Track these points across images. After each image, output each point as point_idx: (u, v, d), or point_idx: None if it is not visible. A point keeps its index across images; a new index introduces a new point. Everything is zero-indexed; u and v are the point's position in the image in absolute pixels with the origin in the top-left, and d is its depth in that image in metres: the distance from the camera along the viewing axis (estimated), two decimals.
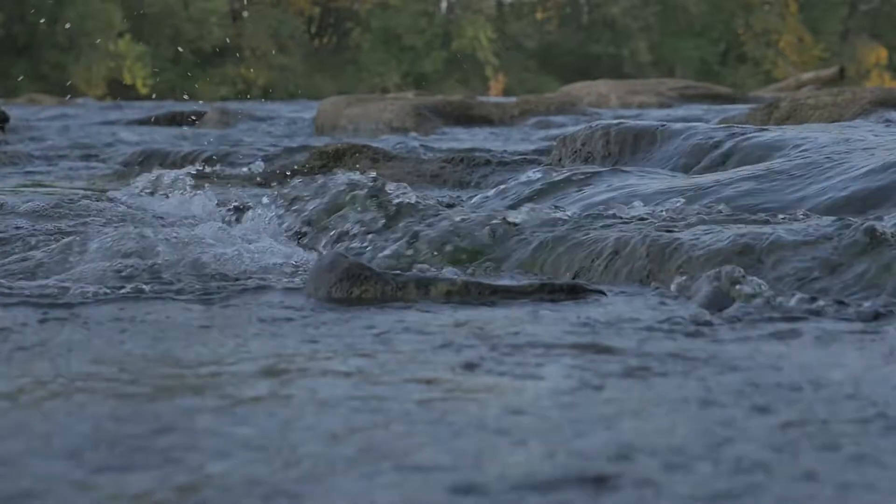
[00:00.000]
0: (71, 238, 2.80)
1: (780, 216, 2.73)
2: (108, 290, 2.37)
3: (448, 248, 2.78)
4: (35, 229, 3.22)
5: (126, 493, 1.16)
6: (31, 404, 1.51)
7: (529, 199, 3.43)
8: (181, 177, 3.95)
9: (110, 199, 3.92)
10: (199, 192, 3.78)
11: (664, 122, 4.36)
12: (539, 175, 3.63)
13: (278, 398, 1.54)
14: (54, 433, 1.36)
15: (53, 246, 2.79)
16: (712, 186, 3.19)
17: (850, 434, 1.34)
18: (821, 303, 2.11)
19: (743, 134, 3.92)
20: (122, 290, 2.37)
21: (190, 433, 1.36)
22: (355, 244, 2.89)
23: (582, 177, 3.54)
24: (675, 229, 2.61)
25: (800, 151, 3.49)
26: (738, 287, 2.15)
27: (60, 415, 1.46)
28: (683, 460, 1.24)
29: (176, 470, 1.22)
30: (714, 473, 1.20)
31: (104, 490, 1.17)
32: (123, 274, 2.54)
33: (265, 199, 3.27)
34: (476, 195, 3.88)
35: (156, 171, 4.12)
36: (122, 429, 1.38)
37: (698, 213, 2.87)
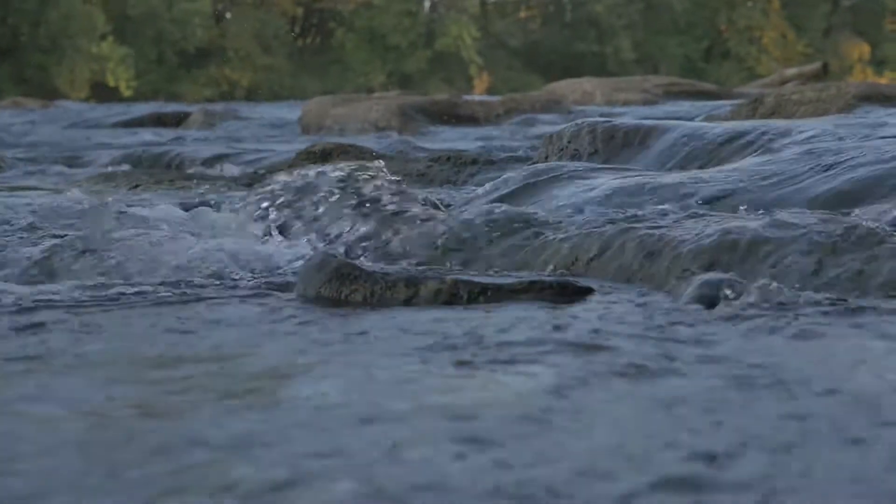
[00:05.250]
0: (54, 242, 2.79)
1: (769, 212, 2.73)
2: (97, 294, 2.36)
3: (437, 245, 2.78)
4: (15, 234, 3.20)
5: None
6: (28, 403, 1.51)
7: (517, 196, 3.43)
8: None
9: (93, 202, 3.90)
10: (187, 193, 3.78)
11: (651, 120, 4.37)
12: (526, 173, 3.63)
13: (265, 398, 1.53)
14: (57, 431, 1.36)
15: (34, 251, 2.78)
16: (701, 182, 3.19)
17: (843, 431, 1.35)
18: (810, 298, 2.12)
19: (731, 130, 3.92)
20: (111, 293, 2.36)
21: (178, 432, 1.36)
22: (346, 242, 2.89)
23: (570, 174, 3.54)
24: (664, 226, 2.62)
25: (788, 147, 3.50)
26: (726, 283, 2.16)
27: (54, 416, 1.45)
28: (676, 461, 1.24)
29: (164, 469, 1.22)
30: (706, 473, 1.20)
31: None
32: (111, 276, 2.53)
33: (252, 199, 3.26)
34: (463, 193, 3.88)
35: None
36: (109, 429, 1.38)
37: (687, 210, 2.88)
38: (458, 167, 5.15)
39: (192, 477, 1.20)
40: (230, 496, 1.14)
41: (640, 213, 2.91)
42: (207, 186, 5.18)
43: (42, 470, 1.23)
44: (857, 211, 2.69)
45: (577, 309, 2.15)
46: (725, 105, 9.17)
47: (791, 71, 21.13)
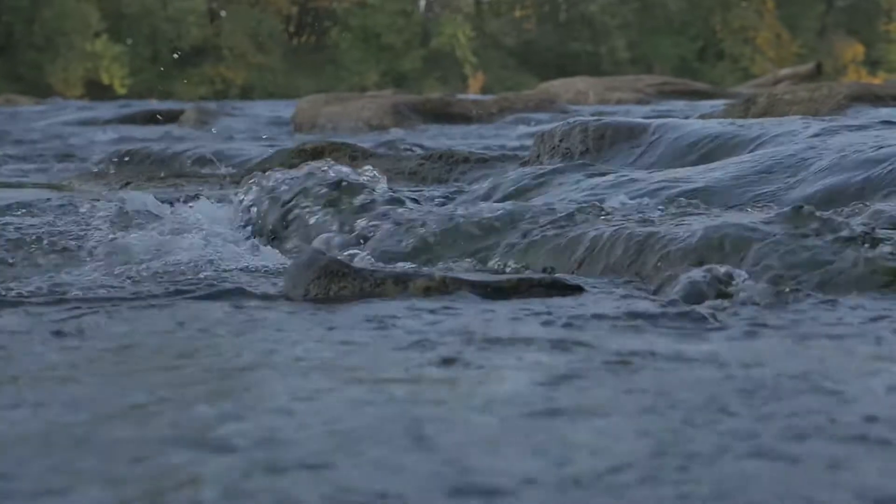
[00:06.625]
0: (37, 239, 2.79)
1: (758, 210, 2.73)
2: (81, 292, 2.35)
3: (427, 243, 2.78)
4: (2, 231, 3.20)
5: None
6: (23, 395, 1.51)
7: (507, 195, 3.43)
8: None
9: (83, 199, 3.90)
10: (178, 190, 3.77)
11: (642, 119, 4.37)
12: (517, 171, 3.63)
13: (253, 396, 1.53)
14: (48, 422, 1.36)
15: (24, 246, 2.78)
16: (690, 181, 3.20)
17: (826, 431, 1.35)
18: (798, 296, 2.12)
19: (721, 129, 3.93)
20: (97, 291, 2.36)
21: (160, 428, 1.35)
22: (334, 240, 2.88)
23: (560, 173, 3.54)
24: (653, 224, 2.62)
25: (778, 146, 3.50)
26: (715, 281, 2.16)
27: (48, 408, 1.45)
28: (660, 460, 1.24)
29: (147, 462, 1.22)
30: (689, 472, 1.20)
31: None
32: (97, 274, 2.53)
33: (242, 196, 3.26)
34: (454, 192, 3.88)
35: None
36: (95, 428, 1.38)
37: (676, 208, 2.88)
38: (450, 165, 5.14)
39: (172, 469, 1.20)
40: (210, 488, 1.14)
41: (628, 210, 2.91)
42: (199, 184, 5.18)
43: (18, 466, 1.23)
44: (844, 209, 2.70)
45: (565, 306, 2.15)
46: (718, 104, 9.18)
47: (785, 71, 21.18)
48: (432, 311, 2.12)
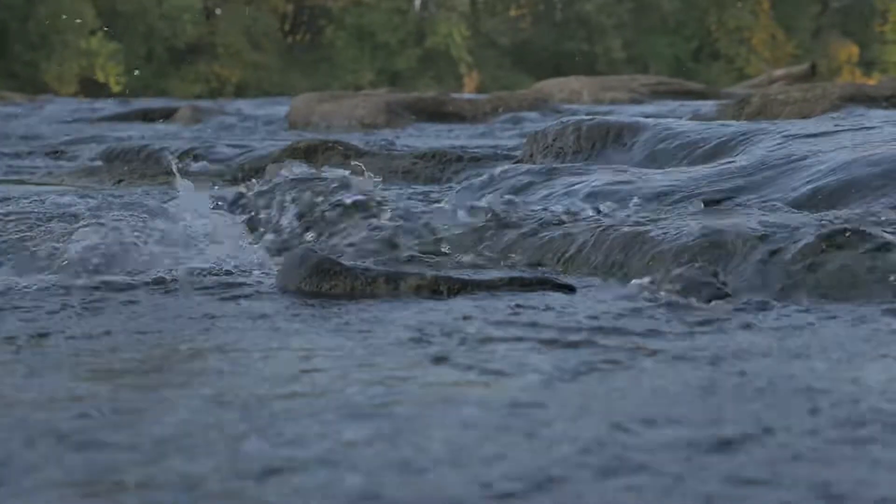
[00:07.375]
0: (32, 234, 2.79)
1: (750, 210, 2.74)
2: (78, 286, 2.35)
3: (418, 242, 2.78)
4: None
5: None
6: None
7: (500, 194, 3.43)
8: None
9: (78, 195, 3.90)
10: (170, 188, 3.76)
11: (635, 118, 4.38)
12: (509, 170, 3.63)
13: (243, 394, 1.53)
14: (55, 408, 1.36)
15: (18, 244, 2.78)
16: (682, 181, 3.20)
17: (815, 431, 1.35)
18: (789, 296, 2.12)
19: (713, 129, 3.93)
20: (94, 286, 2.36)
21: (147, 425, 1.36)
22: (327, 239, 2.88)
23: (552, 172, 3.55)
24: (644, 223, 2.62)
25: (771, 146, 3.51)
26: (707, 281, 2.16)
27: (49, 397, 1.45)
28: (651, 458, 1.24)
29: (135, 457, 1.22)
30: (680, 471, 1.21)
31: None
32: (94, 269, 2.53)
33: (235, 195, 3.26)
34: (447, 191, 3.88)
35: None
36: (92, 420, 1.38)
37: (667, 208, 2.88)
38: (443, 164, 5.15)
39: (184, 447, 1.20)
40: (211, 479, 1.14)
41: (620, 210, 2.92)
42: (191, 182, 5.17)
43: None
44: (835, 210, 2.70)
45: (556, 305, 2.15)
46: (712, 105, 9.18)
47: (779, 72, 21.19)
48: (423, 310, 2.12)
